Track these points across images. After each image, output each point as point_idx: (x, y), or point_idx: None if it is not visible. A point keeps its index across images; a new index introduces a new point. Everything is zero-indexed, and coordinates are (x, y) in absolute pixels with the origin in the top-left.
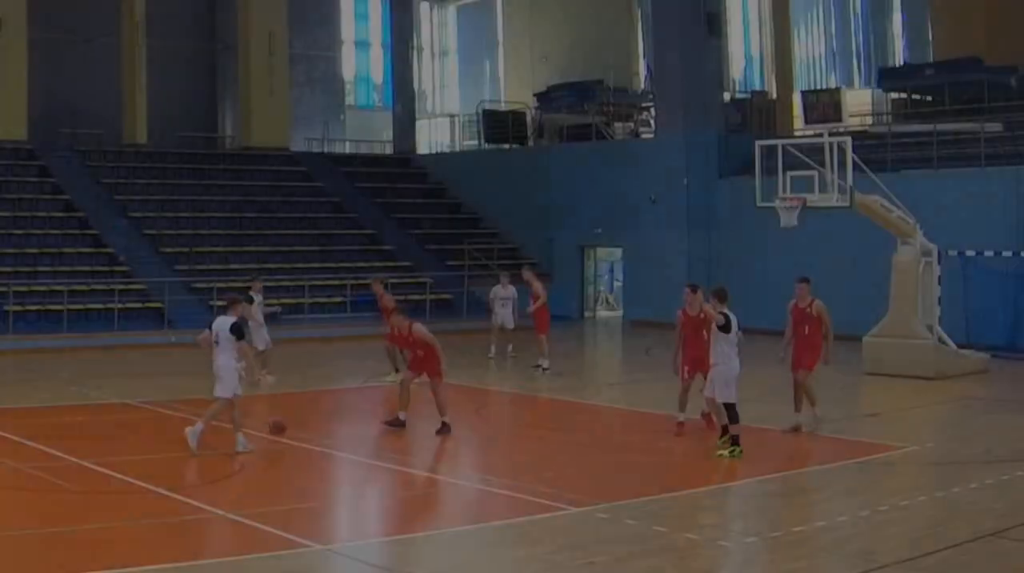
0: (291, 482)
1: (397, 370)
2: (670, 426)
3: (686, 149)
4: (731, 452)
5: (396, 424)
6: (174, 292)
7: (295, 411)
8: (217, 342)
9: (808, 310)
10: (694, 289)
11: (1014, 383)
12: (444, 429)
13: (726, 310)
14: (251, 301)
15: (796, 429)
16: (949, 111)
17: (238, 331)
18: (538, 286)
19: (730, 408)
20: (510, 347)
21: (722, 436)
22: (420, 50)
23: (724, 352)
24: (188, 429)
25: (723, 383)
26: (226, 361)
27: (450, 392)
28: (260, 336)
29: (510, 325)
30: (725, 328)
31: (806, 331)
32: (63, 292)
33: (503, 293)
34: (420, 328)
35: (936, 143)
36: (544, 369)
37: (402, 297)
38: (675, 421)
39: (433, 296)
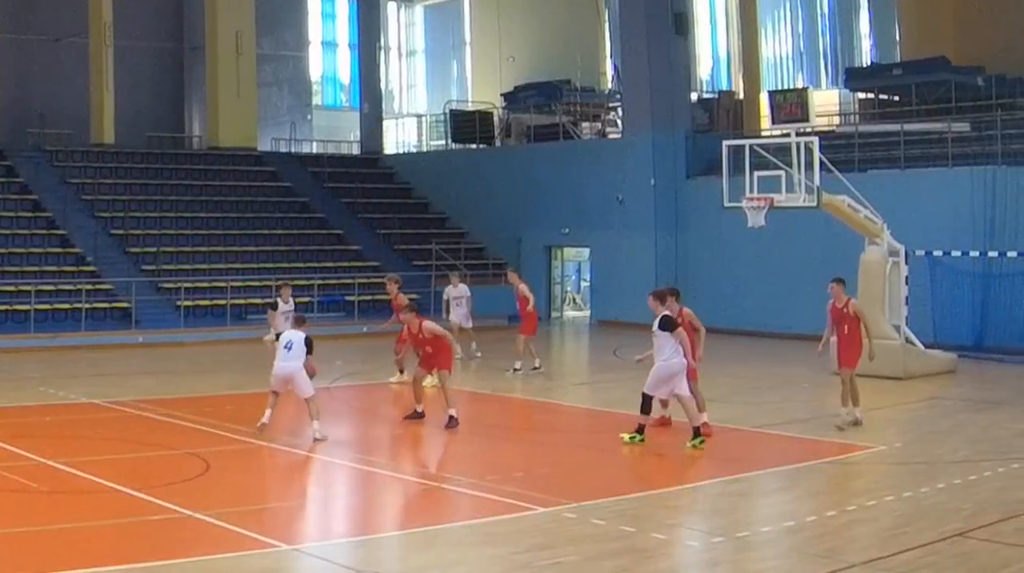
0: (259, 482)
1: (402, 372)
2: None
3: (653, 149)
4: (632, 438)
5: (415, 416)
6: (141, 292)
7: (261, 410)
8: (289, 348)
9: (845, 310)
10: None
11: (981, 383)
12: (452, 422)
13: (668, 311)
14: (275, 307)
15: (856, 423)
16: (916, 111)
17: (310, 345)
18: (524, 287)
19: (646, 399)
20: (473, 345)
21: (695, 436)
22: (387, 50)
23: (664, 349)
24: (316, 426)
25: (657, 378)
26: (297, 366)
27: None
28: None
29: (467, 324)
30: (666, 327)
31: (846, 330)
32: (30, 292)
33: (455, 293)
34: (429, 325)
35: (903, 143)
36: (516, 370)
37: (369, 296)
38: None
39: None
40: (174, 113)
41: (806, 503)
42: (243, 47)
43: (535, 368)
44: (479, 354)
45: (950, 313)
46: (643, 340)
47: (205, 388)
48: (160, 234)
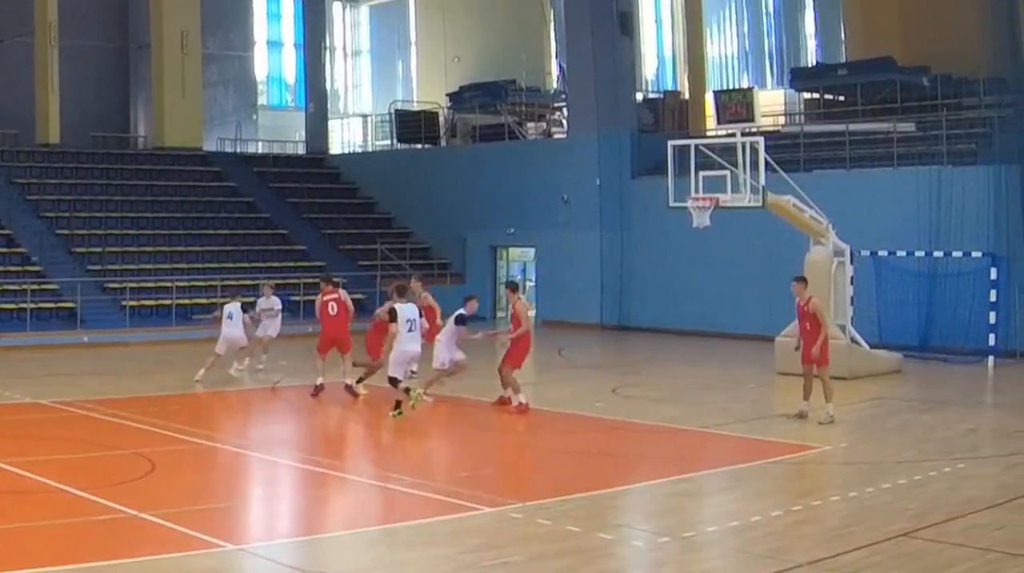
0: (205, 482)
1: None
2: (585, 425)
3: (598, 149)
4: (395, 414)
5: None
6: (87, 292)
7: (209, 410)
8: (411, 329)
9: (806, 307)
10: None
11: (926, 383)
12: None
13: (396, 305)
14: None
15: (802, 415)
16: (862, 111)
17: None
18: (428, 297)
19: (393, 381)
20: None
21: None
22: (333, 50)
23: (400, 338)
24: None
25: (394, 362)
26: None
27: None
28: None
29: (274, 333)
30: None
31: (807, 327)
32: None
33: (266, 305)
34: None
35: (849, 143)
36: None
37: (315, 296)
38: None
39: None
40: (120, 113)
41: (752, 503)
42: (189, 47)
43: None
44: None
45: (895, 313)
46: (590, 339)
47: (151, 388)
48: (105, 234)
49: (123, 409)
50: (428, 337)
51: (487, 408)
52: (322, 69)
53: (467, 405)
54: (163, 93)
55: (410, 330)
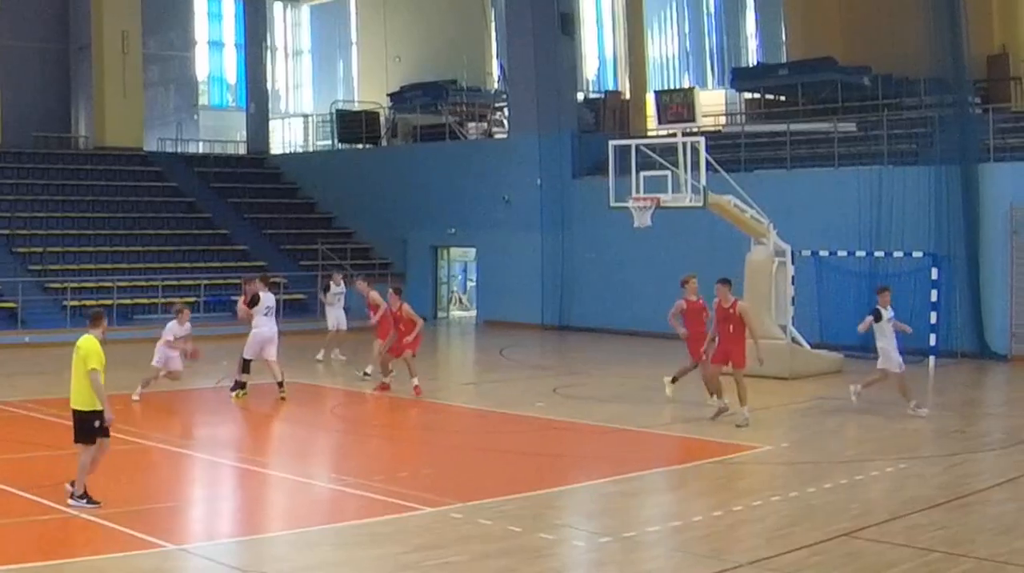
0: (146, 482)
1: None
2: (527, 425)
3: (539, 149)
4: (237, 395)
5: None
6: (28, 292)
7: (152, 411)
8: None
9: (731, 310)
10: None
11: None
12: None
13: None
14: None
15: (721, 411)
16: (803, 111)
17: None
18: (375, 295)
19: (245, 363)
20: (336, 351)
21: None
22: (274, 50)
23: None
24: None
25: (249, 345)
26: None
27: (305, 392)
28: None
29: (343, 326)
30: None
31: (731, 330)
32: None
33: (336, 290)
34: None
35: (790, 143)
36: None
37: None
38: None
39: (287, 296)
40: (61, 113)
41: (692, 503)
42: (129, 47)
43: (366, 374)
44: (343, 357)
45: (836, 313)
46: (530, 339)
47: None
48: (47, 234)
49: (65, 409)
50: (379, 334)
51: (428, 408)
52: (263, 69)
53: (407, 405)
54: (104, 93)
55: (266, 315)
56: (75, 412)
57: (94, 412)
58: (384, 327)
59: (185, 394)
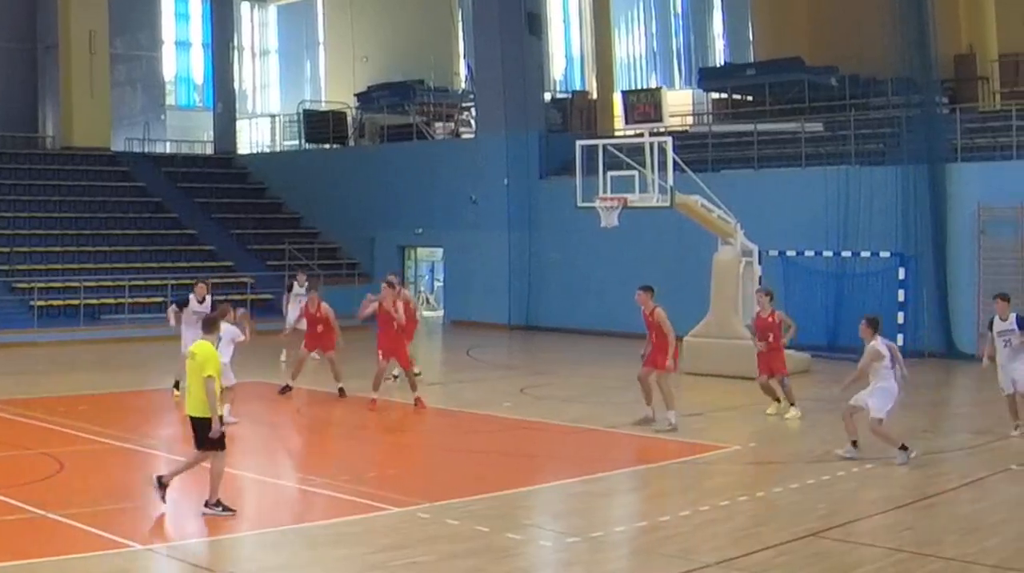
0: (113, 482)
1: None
2: (494, 425)
3: (506, 149)
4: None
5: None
6: None
7: (117, 410)
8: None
9: (650, 317)
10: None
11: (835, 383)
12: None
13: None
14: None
15: (646, 421)
16: (770, 111)
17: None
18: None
19: None
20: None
21: None
22: (241, 50)
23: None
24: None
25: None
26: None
27: (271, 392)
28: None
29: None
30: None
31: (655, 337)
32: None
33: (299, 290)
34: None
35: (757, 143)
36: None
37: (223, 297)
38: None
39: (254, 296)
40: (27, 113)
41: (660, 503)
42: (96, 47)
43: (395, 376)
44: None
45: (804, 313)
46: (497, 339)
47: (59, 388)
48: (13, 234)
49: (32, 409)
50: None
51: (395, 408)
52: (230, 69)
53: (374, 406)
54: (71, 93)
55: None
56: (193, 419)
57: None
58: (408, 328)
59: (149, 394)
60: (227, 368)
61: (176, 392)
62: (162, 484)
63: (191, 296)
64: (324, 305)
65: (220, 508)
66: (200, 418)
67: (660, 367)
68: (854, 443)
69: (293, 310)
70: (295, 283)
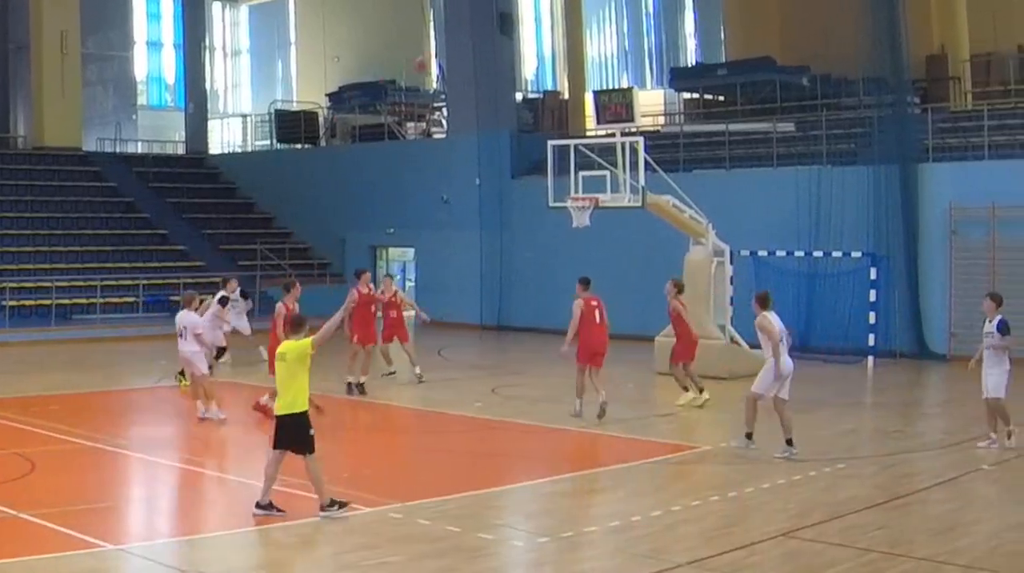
0: (85, 482)
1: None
2: (465, 425)
3: (478, 149)
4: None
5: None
6: None
7: (88, 411)
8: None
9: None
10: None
11: (805, 383)
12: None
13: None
14: (224, 302)
15: (576, 415)
16: (741, 111)
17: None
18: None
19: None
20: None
21: None
22: (212, 50)
23: None
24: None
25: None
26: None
27: (241, 392)
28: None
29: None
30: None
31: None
32: None
33: (234, 295)
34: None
35: (728, 143)
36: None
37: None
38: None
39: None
40: None
41: (631, 503)
42: (68, 47)
43: (420, 378)
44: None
45: (775, 313)
46: (469, 339)
47: (31, 388)
48: None
49: (3, 409)
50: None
51: (368, 408)
52: (202, 69)
53: (347, 405)
54: (42, 93)
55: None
56: (282, 418)
57: (303, 413)
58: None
59: (121, 393)
60: (198, 356)
61: (184, 381)
62: (268, 505)
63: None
64: (400, 292)
65: (336, 506)
66: (290, 416)
67: (579, 360)
68: (791, 442)
69: (238, 318)
70: (225, 289)
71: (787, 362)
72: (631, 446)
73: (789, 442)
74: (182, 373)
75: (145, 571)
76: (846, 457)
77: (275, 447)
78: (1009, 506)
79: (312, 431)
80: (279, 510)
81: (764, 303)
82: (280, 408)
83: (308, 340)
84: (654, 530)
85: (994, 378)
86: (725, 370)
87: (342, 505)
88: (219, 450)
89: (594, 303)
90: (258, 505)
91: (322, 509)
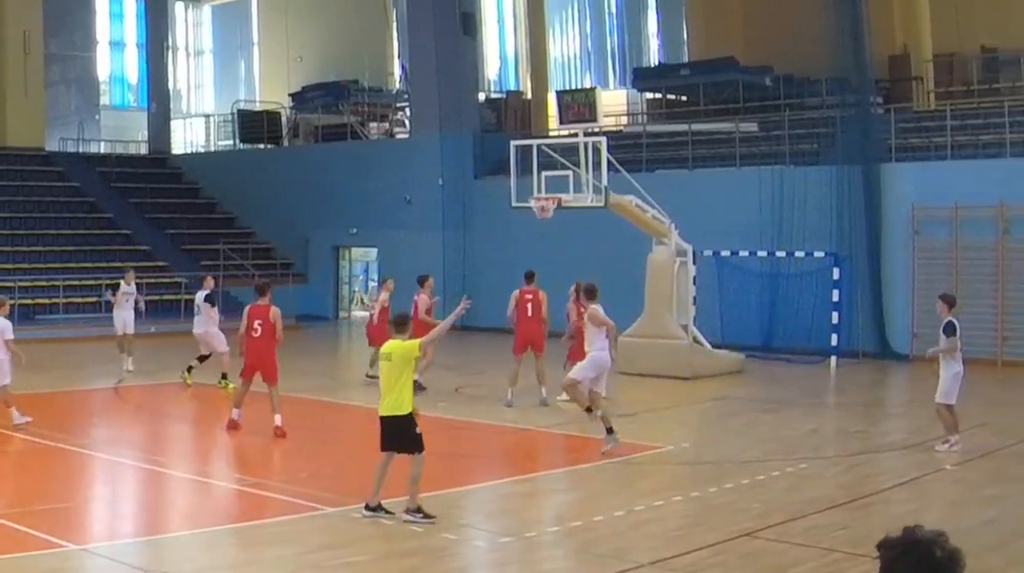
0: (47, 482)
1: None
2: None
3: (441, 149)
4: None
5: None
6: None
7: (51, 411)
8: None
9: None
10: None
11: (768, 383)
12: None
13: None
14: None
15: (509, 406)
16: (704, 111)
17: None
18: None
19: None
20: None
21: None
22: (175, 50)
23: None
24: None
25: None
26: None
27: (205, 392)
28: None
29: (130, 330)
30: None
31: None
32: None
33: (126, 289)
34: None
35: (691, 143)
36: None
37: (157, 296)
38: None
39: (187, 296)
40: None
41: (594, 503)
42: (31, 47)
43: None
44: (131, 370)
45: (738, 313)
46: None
47: None
48: None
49: None
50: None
51: (329, 408)
52: (164, 69)
53: (308, 405)
54: (5, 93)
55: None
56: (386, 420)
57: (410, 416)
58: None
59: (84, 394)
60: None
61: (187, 375)
62: (377, 508)
63: (121, 281)
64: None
65: (421, 515)
66: (396, 417)
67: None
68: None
69: (120, 312)
70: (122, 282)
71: (606, 357)
72: (593, 446)
73: (610, 431)
74: (189, 369)
75: (108, 571)
76: (809, 457)
77: (383, 449)
78: (971, 506)
79: (419, 430)
80: (429, 516)
81: (592, 295)
82: (385, 409)
83: (416, 342)
84: (617, 530)
85: (945, 383)
86: (688, 370)
87: (428, 516)
88: (182, 450)
89: (528, 296)
90: (367, 507)
91: (407, 512)
